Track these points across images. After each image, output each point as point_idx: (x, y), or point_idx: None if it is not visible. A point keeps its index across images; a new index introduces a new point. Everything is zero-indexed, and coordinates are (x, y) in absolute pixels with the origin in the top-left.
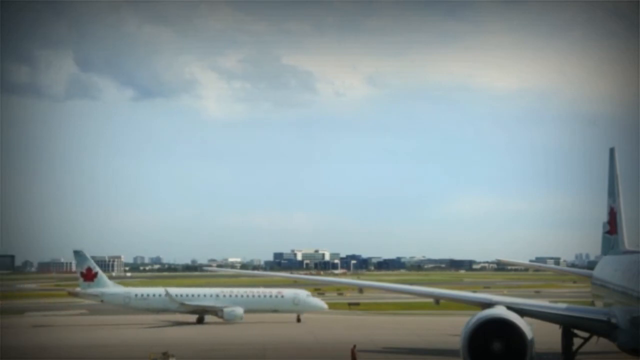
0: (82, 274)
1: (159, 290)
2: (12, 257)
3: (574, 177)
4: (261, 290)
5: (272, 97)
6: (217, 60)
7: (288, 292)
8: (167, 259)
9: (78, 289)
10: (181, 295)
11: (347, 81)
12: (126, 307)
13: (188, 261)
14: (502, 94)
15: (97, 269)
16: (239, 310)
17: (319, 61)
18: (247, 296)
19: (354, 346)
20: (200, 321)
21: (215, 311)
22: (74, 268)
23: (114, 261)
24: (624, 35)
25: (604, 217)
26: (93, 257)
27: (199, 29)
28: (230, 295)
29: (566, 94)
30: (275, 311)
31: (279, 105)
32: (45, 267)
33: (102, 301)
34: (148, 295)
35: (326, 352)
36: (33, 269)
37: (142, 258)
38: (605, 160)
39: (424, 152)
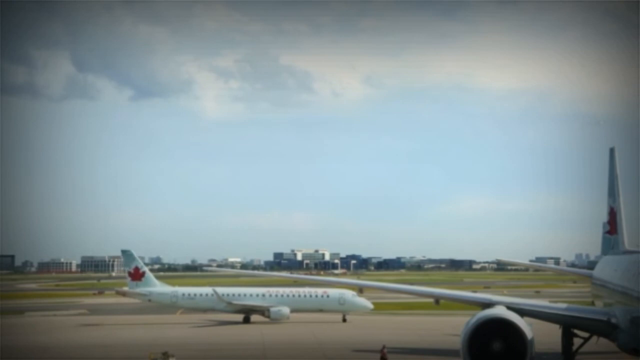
0: (129, 274)
1: (206, 290)
2: (12, 257)
3: (574, 177)
4: (307, 290)
5: (269, 97)
6: (214, 60)
7: (334, 292)
8: (167, 259)
9: (126, 289)
10: (228, 295)
11: (344, 81)
12: (173, 306)
13: (188, 261)
14: (501, 93)
15: (145, 268)
16: (285, 310)
17: (316, 61)
18: (293, 296)
19: (384, 346)
20: (246, 321)
21: (262, 311)
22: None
23: (114, 261)
24: (623, 35)
25: (604, 217)
26: (93, 257)
27: (195, 29)
28: (277, 295)
29: (565, 93)
30: (320, 311)
31: (277, 105)
32: (45, 267)
33: (149, 300)
34: (195, 294)
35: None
36: (33, 269)
37: (142, 258)
38: (605, 160)
39: (423, 152)
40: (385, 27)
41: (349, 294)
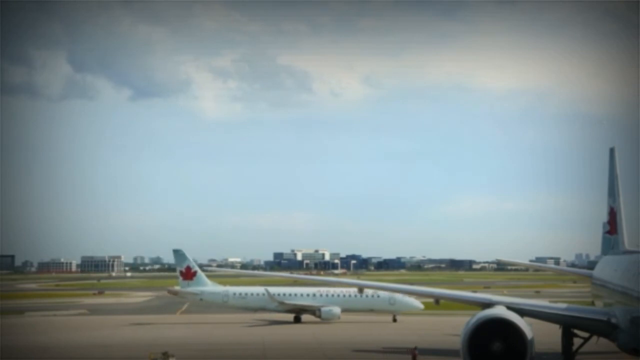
0: (181, 273)
1: (258, 289)
2: (12, 257)
3: (574, 177)
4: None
5: (268, 97)
6: (213, 60)
7: (384, 293)
8: (167, 259)
9: (177, 288)
10: (279, 294)
11: (343, 81)
12: (224, 305)
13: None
14: (501, 94)
15: (196, 268)
16: (336, 310)
17: (315, 61)
18: (344, 295)
19: (415, 347)
20: (297, 320)
21: (313, 310)
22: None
23: (114, 261)
24: (623, 35)
25: (604, 217)
26: (93, 257)
27: (194, 29)
28: (327, 295)
29: (565, 93)
30: (371, 311)
31: (276, 105)
32: (45, 267)
33: (201, 300)
34: (246, 294)
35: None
36: (33, 269)
37: (142, 258)
38: (605, 160)
39: (423, 152)
40: (384, 27)
41: (399, 294)
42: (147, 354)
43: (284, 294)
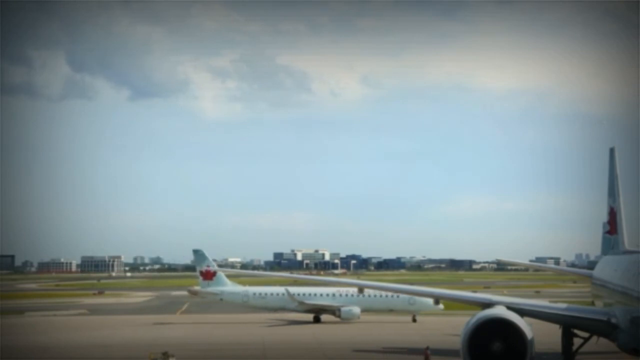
0: (201, 273)
1: (277, 289)
2: (12, 257)
3: (574, 177)
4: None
5: (267, 97)
6: (212, 60)
7: None
8: (167, 259)
9: (197, 288)
10: (299, 294)
11: (342, 81)
12: (244, 305)
13: (188, 261)
14: (501, 94)
15: (217, 268)
16: (356, 310)
17: (314, 61)
18: (363, 296)
19: (427, 347)
20: (317, 320)
21: (333, 310)
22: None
23: (114, 261)
24: (623, 35)
25: (604, 217)
26: (93, 257)
27: (193, 29)
28: (347, 295)
29: (565, 93)
30: (391, 310)
31: (275, 105)
32: (45, 267)
33: (221, 299)
34: (266, 294)
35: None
36: (33, 269)
37: (142, 258)
38: (605, 160)
39: (423, 152)
40: (384, 27)
41: None
42: (147, 354)
43: (304, 294)
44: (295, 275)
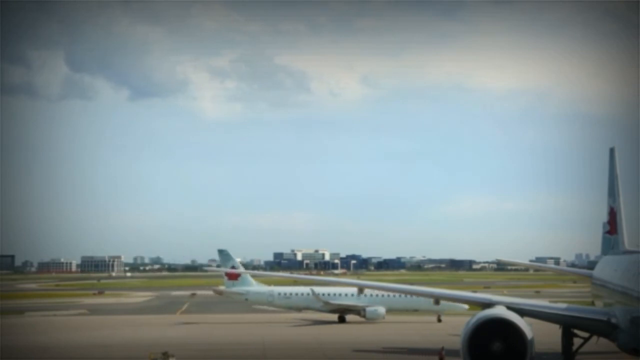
0: (226, 273)
1: (302, 289)
2: (12, 257)
3: (574, 177)
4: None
5: (267, 97)
6: (212, 60)
7: None
8: (167, 259)
9: (222, 288)
10: (324, 294)
11: (342, 81)
12: (270, 305)
13: (188, 261)
14: (501, 94)
15: (241, 268)
16: (381, 310)
17: (314, 61)
18: (389, 295)
19: (442, 348)
20: (341, 320)
21: (358, 310)
22: (73, 268)
23: (114, 261)
24: (623, 35)
25: (604, 217)
26: (93, 257)
27: (193, 29)
28: (372, 295)
29: (565, 93)
30: (416, 310)
31: (275, 105)
32: (45, 267)
33: (246, 299)
34: (291, 294)
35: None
36: (33, 269)
37: (142, 258)
38: (605, 160)
39: (423, 152)
40: (384, 27)
41: None
42: (147, 354)
43: (329, 294)
44: (295, 275)
